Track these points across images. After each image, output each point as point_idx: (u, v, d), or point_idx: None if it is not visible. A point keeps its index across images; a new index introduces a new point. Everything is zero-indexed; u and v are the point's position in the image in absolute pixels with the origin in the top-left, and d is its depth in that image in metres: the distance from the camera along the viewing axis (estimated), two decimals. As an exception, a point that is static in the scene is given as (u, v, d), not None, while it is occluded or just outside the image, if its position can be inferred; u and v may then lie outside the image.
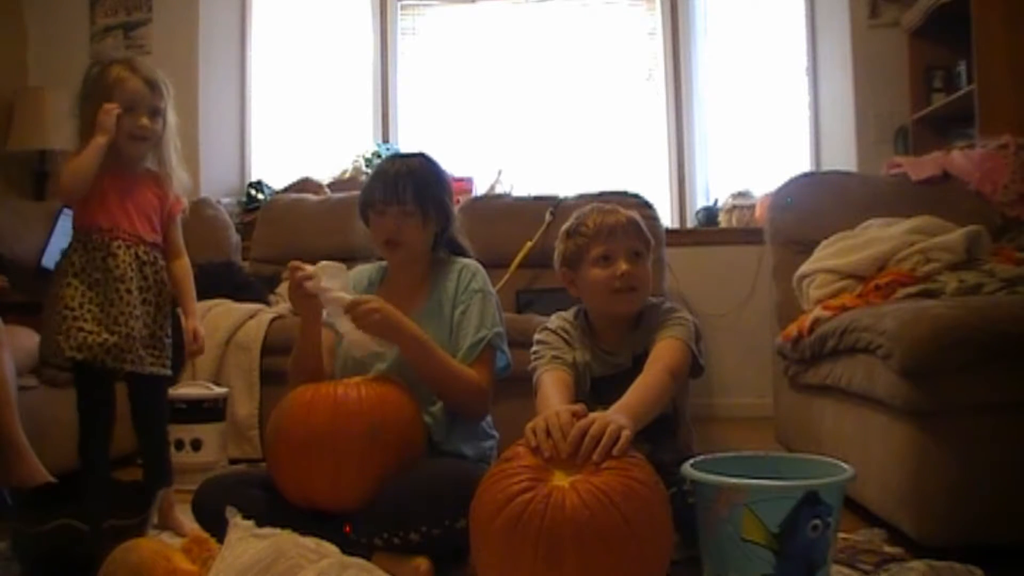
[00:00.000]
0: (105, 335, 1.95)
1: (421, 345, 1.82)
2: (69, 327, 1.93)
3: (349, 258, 3.53)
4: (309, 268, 1.81)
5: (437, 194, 1.97)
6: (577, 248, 1.83)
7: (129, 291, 1.98)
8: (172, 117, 2.07)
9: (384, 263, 2.08)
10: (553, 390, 1.72)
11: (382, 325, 1.77)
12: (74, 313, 1.94)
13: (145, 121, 2.00)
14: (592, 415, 1.46)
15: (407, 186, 1.92)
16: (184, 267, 2.13)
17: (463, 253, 2.06)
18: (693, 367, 1.79)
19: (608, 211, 1.84)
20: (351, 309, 1.76)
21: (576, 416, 1.45)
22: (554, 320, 1.92)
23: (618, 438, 1.41)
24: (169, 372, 2.12)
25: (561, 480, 1.38)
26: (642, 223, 1.85)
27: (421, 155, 2.04)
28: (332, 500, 1.70)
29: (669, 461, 1.59)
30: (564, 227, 1.89)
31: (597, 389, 1.81)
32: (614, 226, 1.80)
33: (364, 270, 2.10)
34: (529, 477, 1.38)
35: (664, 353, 1.73)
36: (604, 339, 1.85)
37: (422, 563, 1.60)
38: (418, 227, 1.94)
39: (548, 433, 1.42)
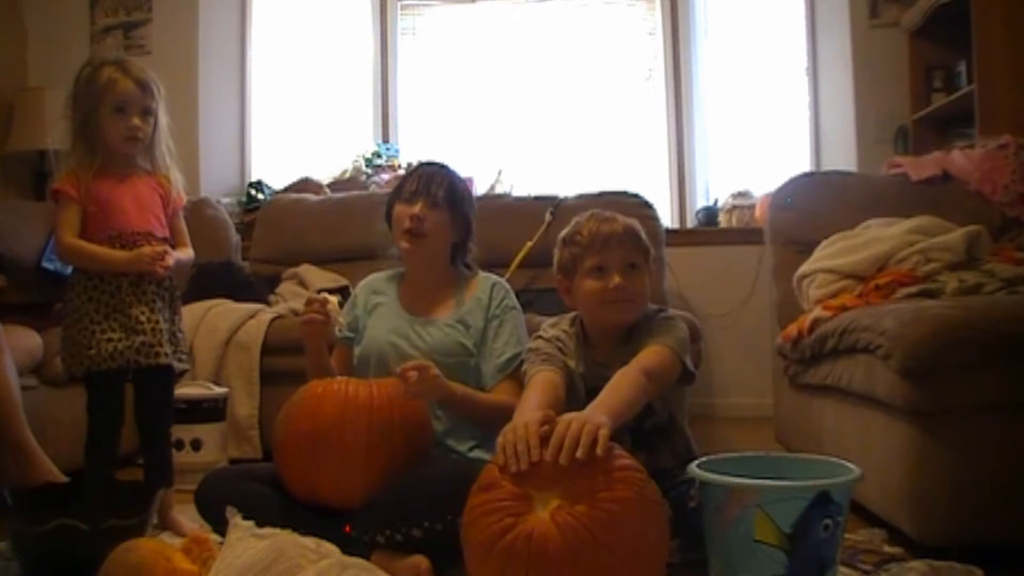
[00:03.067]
0: (134, 336, 1.97)
1: (467, 397, 1.87)
2: (98, 340, 1.96)
3: (350, 258, 3.56)
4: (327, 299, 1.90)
5: (465, 205, 2.04)
6: (572, 257, 1.80)
7: (144, 290, 2.01)
8: (164, 118, 2.08)
9: (395, 271, 2.09)
10: (533, 391, 1.69)
11: (436, 384, 1.76)
12: (101, 327, 1.97)
13: (136, 121, 2.01)
14: (567, 416, 1.41)
15: (442, 184, 1.99)
16: (186, 252, 2.14)
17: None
18: (684, 374, 1.75)
19: (605, 220, 1.79)
20: (406, 371, 1.72)
21: (545, 423, 1.41)
22: (548, 329, 1.87)
23: (596, 439, 1.36)
24: (188, 366, 2.17)
25: (542, 510, 1.34)
26: (641, 232, 1.80)
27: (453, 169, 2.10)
28: (336, 495, 1.72)
29: (669, 466, 1.59)
30: (562, 234, 1.85)
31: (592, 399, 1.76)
32: (609, 236, 1.75)
33: (372, 281, 2.11)
34: (509, 513, 1.34)
35: (643, 356, 1.68)
36: (597, 350, 1.82)
37: (422, 561, 1.60)
38: (443, 223, 1.99)
39: (516, 450, 1.37)
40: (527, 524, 1.32)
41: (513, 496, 1.36)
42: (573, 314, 1.88)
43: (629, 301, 1.75)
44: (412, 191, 1.99)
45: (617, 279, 1.72)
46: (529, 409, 1.57)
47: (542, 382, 1.72)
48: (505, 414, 1.86)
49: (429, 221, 1.96)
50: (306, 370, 1.98)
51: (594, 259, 1.75)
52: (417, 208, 1.96)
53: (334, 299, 1.92)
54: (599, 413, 1.45)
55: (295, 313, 3.18)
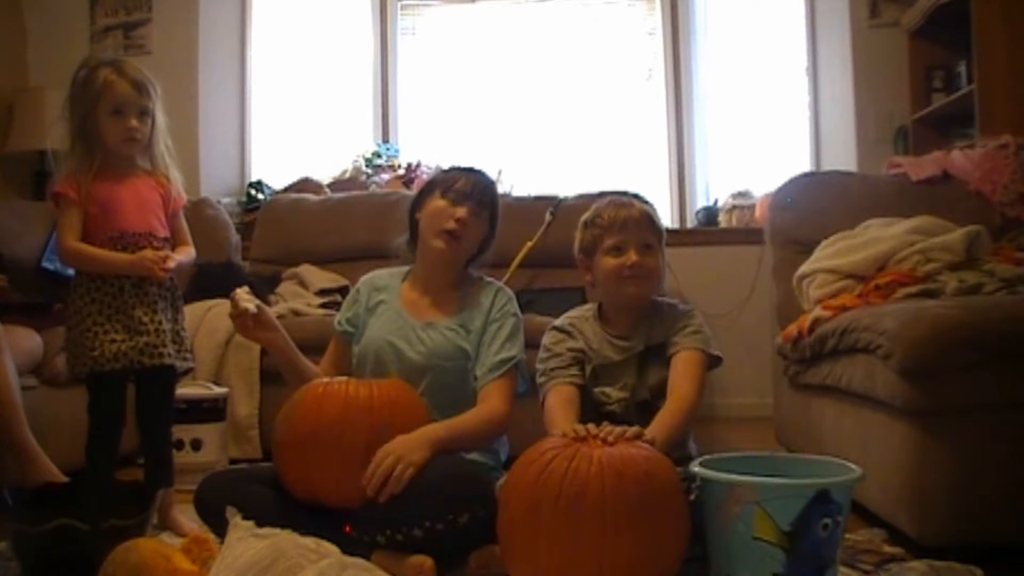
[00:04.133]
0: (137, 337, 1.97)
1: (452, 437, 1.80)
2: (102, 342, 1.96)
3: (350, 258, 3.56)
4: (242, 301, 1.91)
5: (496, 218, 2.06)
6: (593, 238, 1.95)
7: (147, 291, 2.01)
8: (161, 117, 2.09)
9: (400, 269, 2.09)
10: (559, 407, 1.84)
11: (408, 470, 1.66)
12: (104, 328, 1.97)
13: (134, 123, 2.01)
14: (618, 429, 1.58)
15: (492, 197, 2.03)
16: (188, 251, 2.14)
17: None
18: (712, 361, 1.90)
19: (623, 204, 1.95)
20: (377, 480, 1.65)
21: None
22: (563, 318, 2.02)
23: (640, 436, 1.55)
24: (192, 365, 2.18)
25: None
26: (656, 216, 1.97)
27: None
28: (336, 496, 1.72)
29: (671, 456, 1.61)
30: (583, 217, 2.01)
31: (597, 375, 1.92)
32: (627, 219, 1.91)
33: (375, 278, 2.11)
34: (562, 447, 1.50)
35: (688, 369, 1.84)
36: (617, 326, 1.95)
37: (425, 561, 1.60)
38: (479, 232, 2.01)
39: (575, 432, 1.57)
40: (574, 450, 1.48)
41: (565, 444, 1.52)
42: (590, 304, 2.05)
43: (644, 278, 1.90)
44: (463, 192, 1.97)
45: (634, 256, 1.89)
46: (562, 423, 1.73)
47: (562, 398, 1.86)
48: (493, 424, 1.89)
49: (471, 228, 1.97)
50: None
51: (613, 239, 1.91)
52: (464, 212, 1.95)
53: (240, 290, 1.93)
54: (654, 433, 1.63)
55: (295, 313, 3.19)
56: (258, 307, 1.91)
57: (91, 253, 1.98)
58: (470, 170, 2.06)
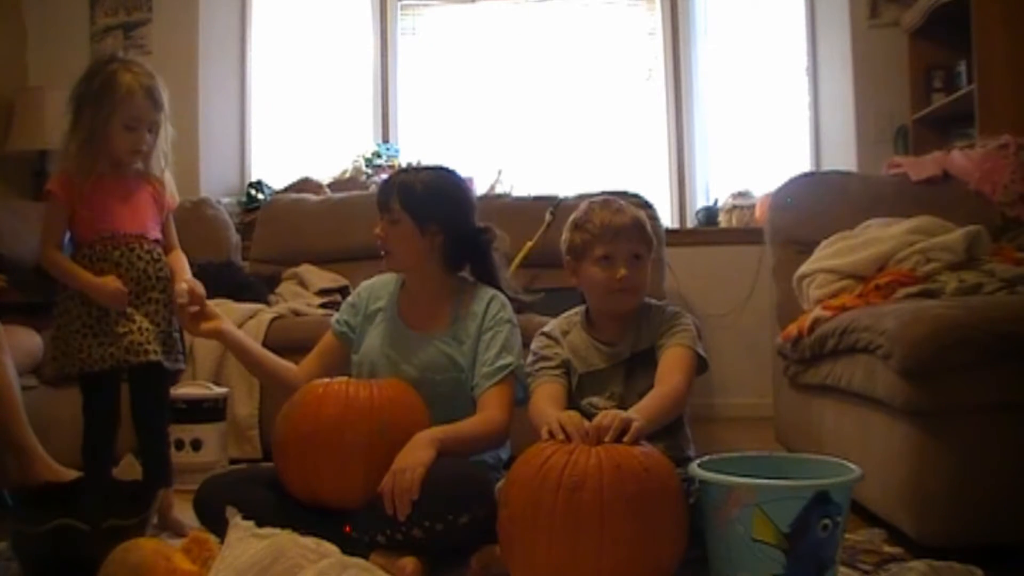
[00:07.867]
0: (121, 338, 1.97)
1: (450, 439, 1.77)
2: (89, 344, 1.96)
3: (350, 258, 3.55)
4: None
5: (431, 207, 1.94)
6: (582, 243, 1.89)
7: (136, 293, 2.01)
8: (169, 129, 2.09)
9: (399, 275, 2.09)
10: (546, 404, 1.80)
11: (418, 475, 1.64)
12: (93, 330, 1.97)
13: (145, 137, 2.02)
14: (607, 412, 1.56)
15: (392, 194, 1.95)
16: (179, 257, 2.14)
17: (495, 282, 2.05)
18: (699, 365, 1.87)
19: (616, 211, 1.88)
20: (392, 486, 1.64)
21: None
22: (550, 323, 1.99)
23: (627, 429, 1.51)
24: (183, 366, 2.17)
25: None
26: (647, 224, 1.92)
27: (434, 168, 2.05)
28: (336, 496, 1.72)
29: (670, 457, 1.62)
30: (572, 217, 1.95)
31: (583, 385, 1.89)
32: (619, 229, 1.85)
33: (375, 284, 2.12)
34: (559, 448, 1.51)
35: (678, 362, 1.81)
36: (604, 331, 1.92)
37: (409, 562, 1.60)
38: (405, 237, 1.94)
39: (563, 430, 1.54)
40: (573, 444, 1.51)
41: (565, 445, 1.52)
42: (577, 308, 1.99)
43: (632, 292, 1.86)
44: (376, 206, 1.98)
45: (623, 271, 1.84)
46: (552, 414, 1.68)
47: (548, 395, 1.83)
48: (491, 433, 1.87)
49: (391, 237, 1.95)
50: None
51: (602, 249, 1.85)
52: (378, 228, 1.96)
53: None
54: (635, 413, 1.59)
55: (295, 313, 3.19)
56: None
57: (63, 266, 1.99)
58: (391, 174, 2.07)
